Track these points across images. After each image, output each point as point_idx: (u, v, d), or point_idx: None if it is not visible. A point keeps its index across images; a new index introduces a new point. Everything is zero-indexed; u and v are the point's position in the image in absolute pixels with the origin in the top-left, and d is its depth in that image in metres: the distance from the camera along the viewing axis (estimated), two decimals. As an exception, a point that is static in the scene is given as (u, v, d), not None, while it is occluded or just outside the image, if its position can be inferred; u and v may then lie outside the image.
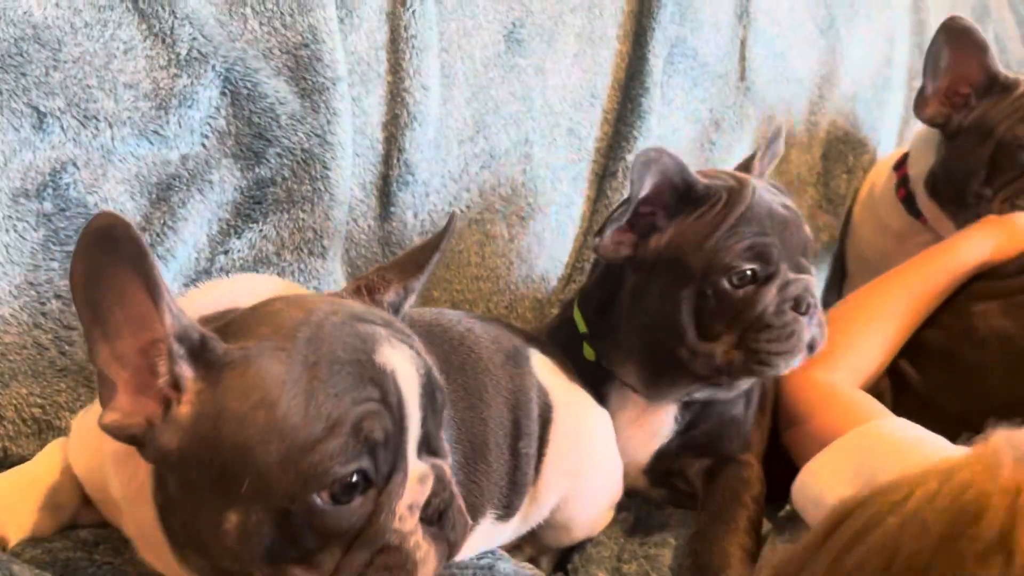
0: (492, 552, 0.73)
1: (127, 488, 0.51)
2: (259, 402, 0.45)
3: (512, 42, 0.95)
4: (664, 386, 0.80)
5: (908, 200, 1.11)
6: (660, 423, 0.84)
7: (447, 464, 0.53)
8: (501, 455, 0.72)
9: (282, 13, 0.77)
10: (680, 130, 1.08)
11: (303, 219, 0.77)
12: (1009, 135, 1.02)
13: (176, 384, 0.46)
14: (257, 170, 0.76)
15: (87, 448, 0.56)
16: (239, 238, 0.76)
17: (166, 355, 0.46)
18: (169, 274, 0.72)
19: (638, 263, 0.77)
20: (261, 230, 0.77)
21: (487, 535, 0.73)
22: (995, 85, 1.03)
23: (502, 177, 0.95)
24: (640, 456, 0.84)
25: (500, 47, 0.94)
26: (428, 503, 0.50)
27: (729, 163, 1.12)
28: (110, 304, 0.45)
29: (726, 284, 0.74)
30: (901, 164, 1.13)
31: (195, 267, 0.74)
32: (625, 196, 1.01)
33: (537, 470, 0.74)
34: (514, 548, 0.78)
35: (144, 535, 0.52)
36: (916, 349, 0.96)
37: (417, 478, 0.50)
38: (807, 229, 0.79)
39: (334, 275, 0.79)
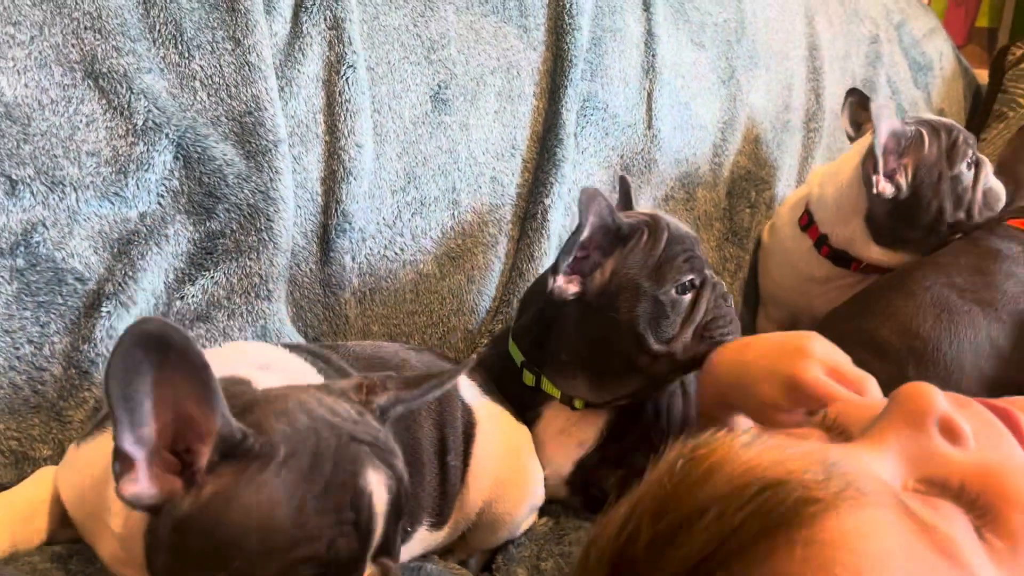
0: (422, 556, 0.82)
1: (124, 523, 0.59)
2: (265, 499, 0.54)
3: (438, 102, 1.06)
4: (615, 387, 0.92)
5: (835, 256, 1.25)
6: (587, 435, 0.95)
7: (394, 564, 0.61)
8: (432, 468, 0.82)
9: (228, 85, 0.87)
10: (593, 175, 1.20)
11: (250, 266, 0.87)
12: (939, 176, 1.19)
13: (210, 469, 0.54)
14: (208, 224, 0.86)
15: (77, 479, 0.65)
16: (193, 285, 0.85)
17: (210, 448, 0.54)
18: (130, 318, 0.80)
19: (584, 298, 0.89)
20: (213, 277, 0.86)
21: (423, 541, 0.82)
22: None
23: (432, 222, 1.05)
24: (564, 468, 0.95)
25: (427, 107, 1.05)
26: None
27: (638, 203, 1.25)
28: (144, 399, 0.52)
29: (675, 294, 0.89)
30: (809, 225, 1.27)
31: (154, 311, 0.83)
32: (544, 234, 1.12)
33: (463, 480, 0.84)
34: (446, 552, 0.88)
35: (124, 561, 0.61)
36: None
37: None
38: None
39: (279, 315, 0.89)
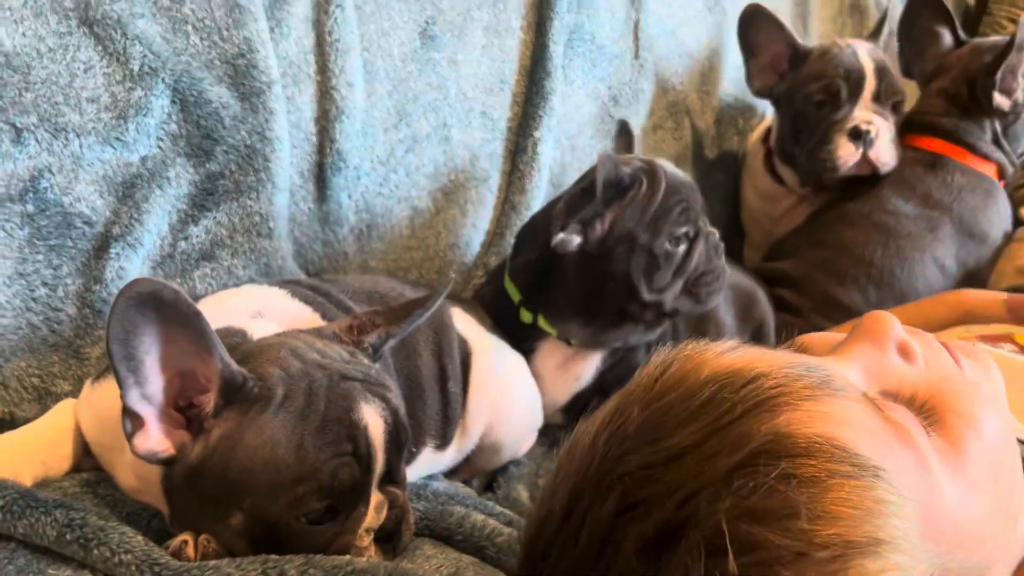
0: (429, 476, 0.87)
1: (138, 474, 0.64)
2: (267, 440, 0.58)
3: (426, 38, 1.07)
4: (609, 335, 0.97)
5: (773, 170, 1.28)
6: (583, 370, 0.99)
7: (401, 489, 0.66)
8: (434, 395, 0.86)
9: (219, 28, 0.88)
10: (582, 107, 1.22)
11: (250, 205, 0.89)
12: (801, 95, 1.19)
13: (217, 413, 0.58)
14: (208, 166, 0.88)
15: (94, 417, 0.69)
16: (196, 225, 0.88)
17: (215, 393, 0.58)
18: (138, 259, 0.83)
19: (585, 246, 0.92)
20: (215, 217, 0.89)
21: (428, 462, 0.88)
22: (798, 56, 1.20)
23: (425, 158, 1.07)
24: (560, 398, 1.00)
25: (416, 43, 1.07)
26: (382, 526, 0.63)
27: (628, 134, 1.27)
28: (145, 356, 0.55)
29: (669, 246, 0.91)
30: (767, 137, 1.30)
31: (160, 252, 0.86)
32: (535, 168, 1.15)
33: (464, 405, 0.88)
34: (451, 473, 0.93)
35: (143, 493, 0.65)
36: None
37: (375, 507, 0.63)
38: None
39: (280, 252, 0.92)
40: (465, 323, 0.92)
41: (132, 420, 0.58)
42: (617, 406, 0.49)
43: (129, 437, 0.58)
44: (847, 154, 1.16)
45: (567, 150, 1.20)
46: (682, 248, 0.92)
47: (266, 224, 0.91)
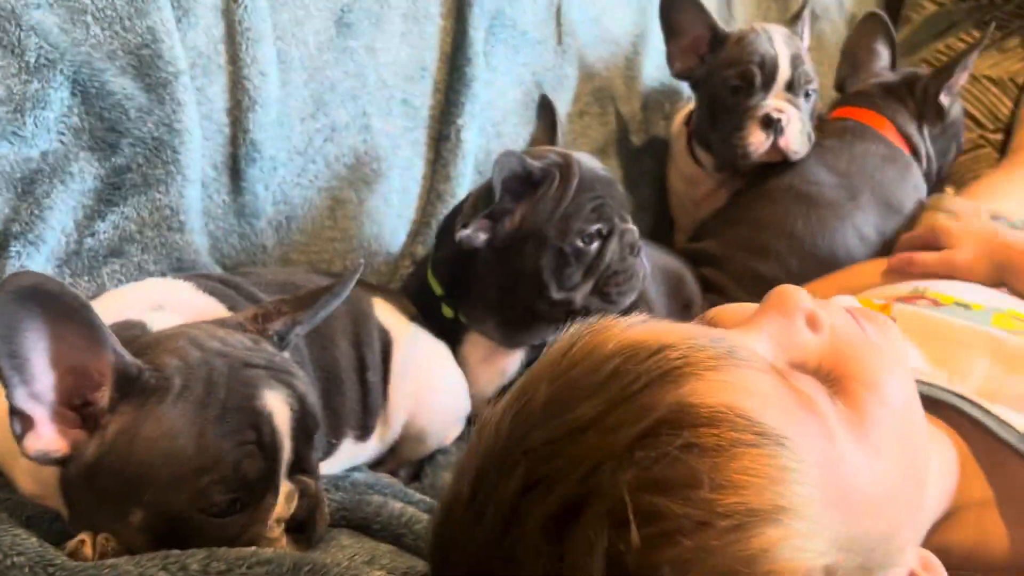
0: (352, 468, 0.86)
1: (35, 477, 0.62)
2: (166, 432, 0.56)
3: (342, 26, 1.06)
4: (522, 335, 0.96)
5: (694, 153, 1.30)
6: (508, 365, 0.99)
7: (313, 478, 0.64)
8: (353, 385, 0.85)
9: (121, 18, 0.86)
10: (506, 93, 1.21)
11: (160, 199, 0.87)
12: (718, 80, 1.20)
13: (112, 408, 0.56)
14: (113, 159, 0.86)
15: None
16: (103, 221, 0.85)
17: (108, 386, 0.56)
18: (41, 257, 0.81)
19: (495, 244, 0.91)
20: (123, 212, 0.86)
21: (350, 454, 0.87)
22: (718, 39, 1.22)
23: (345, 148, 1.06)
24: (488, 390, 0.99)
25: (332, 32, 1.05)
26: (293, 516, 0.62)
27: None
28: (31, 353, 0.53)
29: (580, 244, 0.89)
30: (690, 120, 1.31)
31: (65, 250, 0.83)
32: (459, 155, 1.14)
33: (385, 395, 0.88)
34: (377, 464, 0.92)
35: (43, 497, 0.63)
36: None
37: (284, 496, 0.61)
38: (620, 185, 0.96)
39: (193, 246, 0.90)
40: (386, 313, 0.91)
41: (21, 420, 0.56)
42: (524, 383, 0.49)
43: (19, 438, 0.56)
44: (757, 141, 1.17)
45: (492, 137, 1.20)
46: (594, 246, 0.90)
47: (177, 218, 0.89)
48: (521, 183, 0.89)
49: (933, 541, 0.58)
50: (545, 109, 1.14)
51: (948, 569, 0.50)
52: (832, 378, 0.50)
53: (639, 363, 0.45)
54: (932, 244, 1.03)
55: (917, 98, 1.29)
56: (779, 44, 1.19)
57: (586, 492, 0.42)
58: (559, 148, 0.98)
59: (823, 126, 1.31)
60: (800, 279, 1.13)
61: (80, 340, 0.55)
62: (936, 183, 1.36)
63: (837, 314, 0.54)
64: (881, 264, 1.07)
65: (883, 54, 1.40)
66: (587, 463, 0.42)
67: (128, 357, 0.56)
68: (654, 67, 1.42)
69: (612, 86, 1.36)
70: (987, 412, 0.65)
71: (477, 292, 0.94)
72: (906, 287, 0.92)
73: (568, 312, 0.91)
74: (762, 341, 0.50)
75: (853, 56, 1.41)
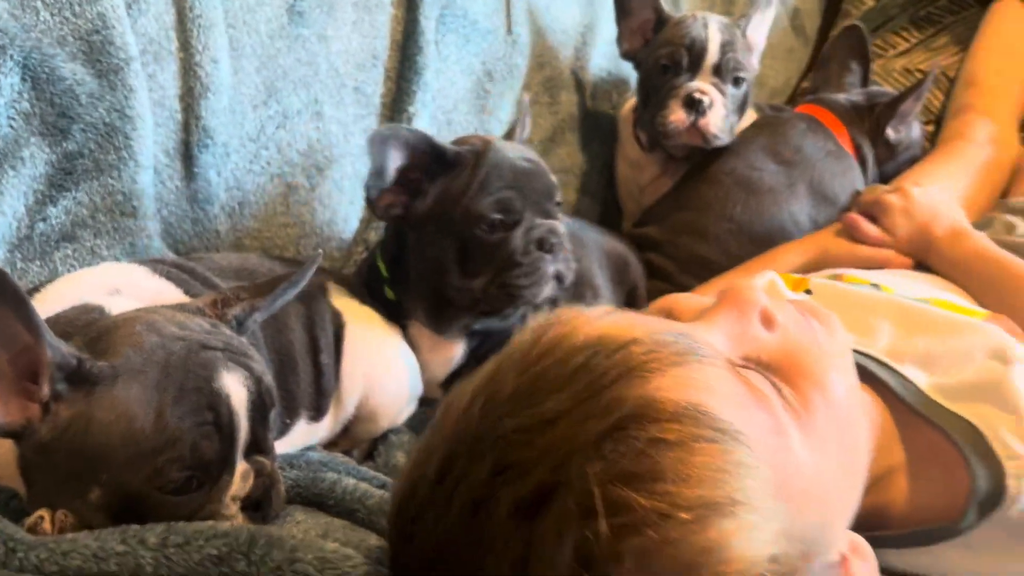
0: (307, 447, 0.88)
1: None
2: (121, 415, 0.58)
3: (294, 14, 1.07)
4: (445, 321, 0.97)
5: (639, 138, 1.34)
6: (452, 351, 1.00)
7: (269, 458, 0.66)
8: (306, 367, 0.87)
9: (71, 4, 0.86)
10: (457, 82, 1.24)
11: (112, 184, 0.88)
12: (652, 59, 1.25)
13: (57, 396, 0.58)
14: (64, 145, 0.86)
15: None
16: (55, 206, 0.86)
17: (47, 378, 0.57)
18: (-8, 242, 0.82)
19: (411, 221, 0.92)
20: (75, 197, 0.87)
21: (304, 434, 0.89)
22: (661, 22, 1.26)
23: (297, 135, 1.07)
24: (438, 375, 1.01)
25: (283, 20, 1.06)
26: (249, 494, 0.64)
27: (502, 108, 1.30)
28: None
29: (480, 233, 0.89)
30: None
31: (16, 235, 0.84)
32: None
33: (338, 377, 0.90)
34: (331, 444, 0.94)
35: (2, 477, 0.64)
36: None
37: (241, 475, 0.63)
38: (551, 178, 0.93)
39: (147, 231, 0.91)
40: (338, 296, 0.93)
41: None
42: (493, 370, 0.51)
43: None
44: (678, 120, 1.20)
45: (443, 124, 1.22)
46: (495, 236, 0.89)
47: (130, 203, 0.89)
48: (436, 163, 0.90)
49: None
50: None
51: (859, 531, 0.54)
52: (781, 373, 0.52)
53: (606, 357, 0.47)
54: (875, 216, 1.09)
55: (872, 124, 1.35)
56: (712, 30, 1.22)
57: (556, 482, 0.44)
58: (490, 136, 0.97)
59: (782, 115, 1.36)
60: (739, 262, 1.18)
61: (24, 328, 0.56)
62: None
63: (789, 313, 0.57)
64: (801, 244, 1.13)
65: (856, 71, 1.45)
66: (557, 453, 0.44)
67: (64, 349, 0.58)
68: (602, 57, 1.45)
69: (561, 76, 1.38)
70: (892, 371, 0.69)
71: (412, 276, 0.95)
72: (826, 273, 0.97)
73: (474, 300, 0.92)
74: (719, 336, 0.53)
75: (827, 69, 1.46)
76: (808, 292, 0.87)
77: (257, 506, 0.65)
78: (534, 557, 0.43)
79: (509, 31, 1.30)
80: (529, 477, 0.44)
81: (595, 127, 1.43)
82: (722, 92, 1.21)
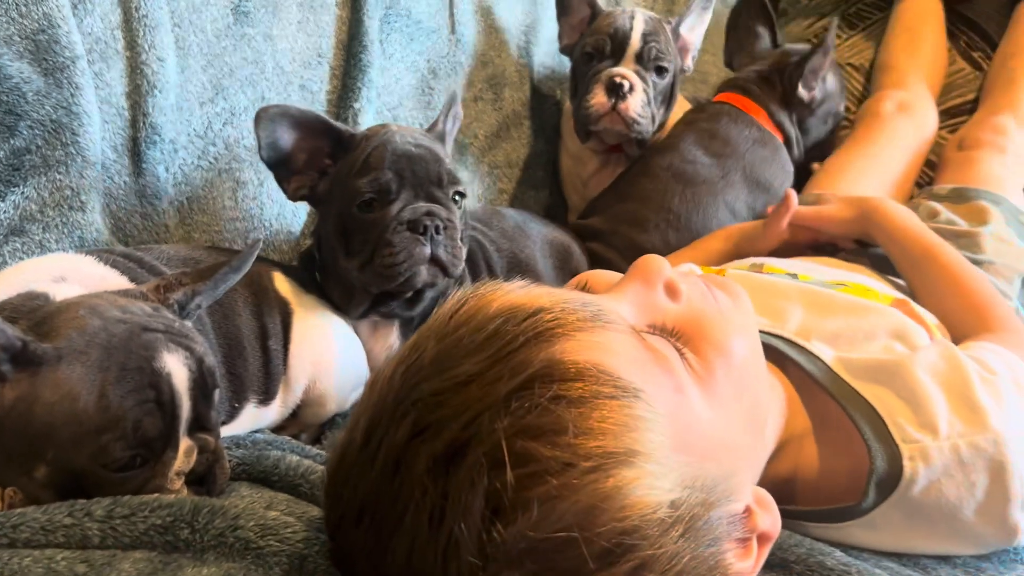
0: (255, 430, 0.91)
1: None
2: (65, 395, 0.60)
3: (239, 14, 1.10)
4: (353, 305, 0.99)
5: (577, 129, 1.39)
6: (390, 338, 1.03)
7: (212, 436, 0.69)
8: (255, 352, 0.91)
9: (16, 4, 0.88)
10: (402, 79, 1.27)
11: (60, 179, 0.90)
12: (580, 49, 1.31)
13: (2, 378, 0.60)
14: (12, 141, 0.88)
15: None
16: (3, 201, 0.88)
17: None
18: (-59, 236, 0.84)
19: (316, 201, 0.97)
20: (23, 192, 0.89)
21: (253, 418, 0.92)
22: (595, 16, 1.33)
23: (244, 131, 1.10)
24: (379, 361, 1.03)
25: (229, 19, 1.09)
26: (193, 470, 0.67)
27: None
28: None
29: (356, 211, 0.91)
30: None
31: (-35, 229, 0.86)
32: (360, 131, 1.19)
33: (286, 362, 0.93)
34: (280, 428, 0.97)
35: None
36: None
37: (184, 452, 0.66)
38: (444, 164, 0.95)
39: (95, 225, 0.93)
40: (285, 285, 0.96)
41: None
42: (415, 342, 0.54)
43: None
44: (599, 103, 1.25)
45: (389, 120, 1.25)
46: (368, 216, 0.91)
47: (78, 198, 0.92)
48: (336, 145, 0.94)
49: (765, 475, 0.66)
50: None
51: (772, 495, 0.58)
52: (684, 339, 0.56)
53: (516, 324, 0.50)
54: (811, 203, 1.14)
55: (784, 87, 1.40)
56: (636, 21, 1.28)
57: (468, 438, 0.47)
58: (389, 124, 0.99)
59: (705, 108, 1.41)
60: (677, 250, 1.23)
61: None
62: (811, 153, 1.47)
63: (693, 284, 0.61)
64: (731, 230, 1.18)
65: (763, 35, 1.50)
66: (469, 412, 0.47)
67: (10, 332, 0.60)
68: (545, 55, 1.50)
69: (505, 73, 1.43)
70: (800, 348, 0.74)
71: (325, 259, 0.99)
72: (747, 262, 1.02)
73: (353, 279, 0.94)
74: (625, 305, 0.57)
75: (735, 37, 1.52)
76: None
77: (201, 481, 0.69)
78: (449, 508, 0.46)
79: (452, 31, 1.34)
80: (444, 434, 0.47)
81: (539, 123, 1.48)
82: (644, 80, 1.27)
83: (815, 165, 1.57)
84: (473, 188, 1.37)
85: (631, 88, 1.25)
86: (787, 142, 1.40)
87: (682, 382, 0.53)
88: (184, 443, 0.67)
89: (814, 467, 0.72)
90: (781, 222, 1.09)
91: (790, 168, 1.38)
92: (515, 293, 0.54)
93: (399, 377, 0.52)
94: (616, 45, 1.27)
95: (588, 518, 0.46)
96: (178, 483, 0.67)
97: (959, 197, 1.26)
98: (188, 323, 0.72)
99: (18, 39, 0.89)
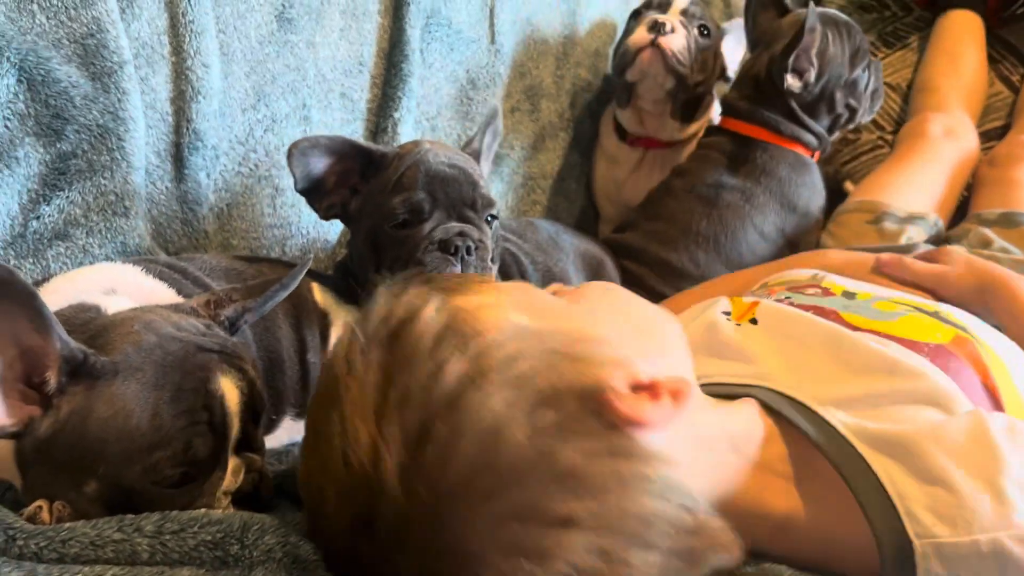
0: (291, 443, 0.91)
1: None
2: (119, 411, 0.60)
3: (283, 21, 1.10)
4: None
5: (618, 128, 1.38)
6: None
7: (259, 455, 0.69)
8: (293, 366, 0.90)
9: (66, 7, 0.88)
10: (441, 89, 1.27)
11: (104, 184, 0.90)
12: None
13: (61, 390, 0.60)
14: (59, 145, 0.88)
15: None
16: (48, 205, 0.88)
17: (55, 371, 0.59)
18: (-14, 240, 0.83)
19: (348, 219, 0.97)
20: (68, 196, 0.89)
21: (289, 430, 0.91)
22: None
23: (285, 138, 1.10)
24: None
25: (273, 26, 1.09)
26: (239, 488, 0.67)
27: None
28: None
29: (389, 229, 0.91)
30: None
31: (10, 232, 0.86)
32: (391, 148, 1.19)
33: (324, 374, 0.92)
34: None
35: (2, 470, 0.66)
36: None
37: (232, 471, 0.66)
38: (479, 188, 0.94)
39: (138, 231, 0.93)
40: (324, 296, 0.95)
41: None
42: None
43: None
44: (639, 38, 1.28)
45: (427, 131, 1.25)
46: (402, 234, 0.91)
47: (122, 203, 0.92)
48: (367, 164, 0.94)
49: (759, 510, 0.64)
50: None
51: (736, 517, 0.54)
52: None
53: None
54: (929, 259, 1.00)
55: (777, 85, 1.28)
56: None
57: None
58: (424, 141, 0.98)
59: (710, 134, 1.37)
60: (707, 270, 1.22)
61: (29, 325, 0.58)
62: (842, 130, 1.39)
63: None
64: (832, 257, 1.08)
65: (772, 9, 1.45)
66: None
67: (73, 344, 0.60)
68: (582, 67, 1.49)
69: (542, 84, 1.42)
70: (805, 409, 0.68)
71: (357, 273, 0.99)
72: (807, 272, 0.98)
73: None
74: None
75: (752, 14, 1.41)
76: (754, 321, 0.85)
77: (247, 499, 0.68)
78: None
79: (492, 40, 1.33)
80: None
81: (574, 135, 1.47)
82: (687, 28, 1.29)
83: (848, 185, 1.56)
84: (507, 199, 1.37)
85: (672, 29, 1.27)
86: (806, 145, 1.32)
87: (543, 294, 0.68)
88: (232, 462, 0.67)
89: (779, 500, 0.66)
90: (895, 273, 0.99)
91: (817, 182, 1.33)
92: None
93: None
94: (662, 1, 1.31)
95: (453, 319, 0.56)
96: (225, 501, 0.67)
97: (1009, 222, 1.24)
98: (238, 340, 0.72)
99: (67, 43, 0.88)
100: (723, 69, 1.39)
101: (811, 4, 1.26)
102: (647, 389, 0.57)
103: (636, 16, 1.35)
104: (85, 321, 0.65)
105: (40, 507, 0.62)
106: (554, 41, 1.45)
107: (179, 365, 0.63)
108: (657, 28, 1.27)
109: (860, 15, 1.74)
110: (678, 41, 1.28)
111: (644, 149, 1.41)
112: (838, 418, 0.67)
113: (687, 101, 1.36)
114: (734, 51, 1.38)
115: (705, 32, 1.32)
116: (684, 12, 1.31)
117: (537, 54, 1.41)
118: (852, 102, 1.33)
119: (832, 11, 1.40)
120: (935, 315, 0.83)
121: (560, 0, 1.46)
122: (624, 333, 0.65)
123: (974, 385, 0.73)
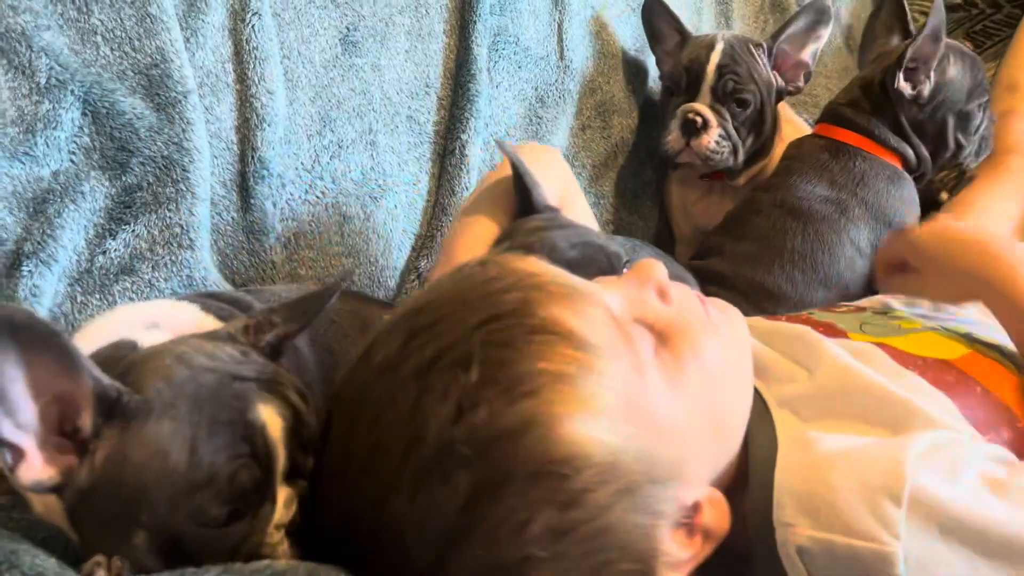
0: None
1: (41, 503, 0.62)
2: (155, 453, 0.56)
3: (348, 44, 1.07)
4: None
5: None
6: None
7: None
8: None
9: (130, 38, 0.87)
10: (509, 108, 1.23)
11: (170, 217, 0.88)
12: (662, 82, 1.33)
13: (97, 433, 0.56)
14: (124, 178, 0.87)
15: None
16: (114, 239, 0.86)
17: (90, 411, 0.56)
18: (53, 276, 0.82)
19: None
20: (134, 230, 0.87)
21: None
22: (684, 40, 1.30)
23: (351, 164, 1.07)
24: None
25: (337, 50, 1.06)
26: (293, 520, 0.61)
27: (555, 134, 1.28)
28: (10, 384, 0.53)
29: None
30: None
31: (77, 268, 0.84)
32: (464, 170, 1.15)
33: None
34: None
35: (53, 518, 0.63)
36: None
37: (283, 503, 0.61)
38: (610, 250, 0.86)
39: (203, 263, 0.90)
40: None
41: (12, 452, 0.55)
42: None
43: (11, 469, 0.55)
44: (674, 140, 1.24)
45: (496, 152, 1.21)
46: None
47: (187, 236, 0.89)
48: None
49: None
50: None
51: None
52: (665, 336, 0.61)
53: (512, 279, 0.58)
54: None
55: (888, 89, 1.22)
56: (715, 53, 1.23)
57: (445, 347, 0.55)
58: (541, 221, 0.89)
59: (803, 144, 1.29)
60: (805, 291, 1.14)
61: (57, 367, 0.55)
62: (953, 157, 1.28)
63: (685, 293, 0.65)
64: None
65: (895, 30, 1.38)
66: (449, 331, 0.56)
67: (106, 380, 0.56)
68: (654, 81, 1.43)
69: (614, 100, 1.37)
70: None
71: None
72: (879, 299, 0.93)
73: None
74: (615, 296, 0.61)
75: (871, 36, 1.37)
76: None
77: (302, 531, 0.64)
78: (423, 405, 0.54)
79: (561, 57, 1.29)
80: (429, 345, 0.55)
81: (647, 151, 1.41)
82: (721, 115, 1.23)
83: (943, 194, 1.46)
84: (579, 220, 1.31)
85: (704, 124, 1.22)
86: (905, 163, 1.26)
87: (644, 365, 0.57)
88: (283, 493, 0.62)
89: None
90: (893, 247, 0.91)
91: (912, 196, 1.24)
92: (524, 260, 0.61)
93: (410, 301, 0.61)
94: (691, 79, 1.24)
95: (526, 432, 0.52)
96: (278, 535, 0.62)
97: None
98: (286, 361, 0.68)
99: (131, 74, 0.87)
100: (797, 71, 1.31)
101: (939, 16, 1.19)
102: (686, 522, 0.57)
103: (668, 94, 1.29)
104: (118, 359, 0.61)
105: (98, 563, 0.58)
106: (625, 55, 1.39)
107: (213, 397, 0.59)
108: (689, 128, 1.23)
109: (947, 15, 1.64)
110: (712, 137, 1.23)
111: (711, 180, 1.35)
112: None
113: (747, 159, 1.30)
114: (805, 48, 1.30)
115: (745, 103, 1.24)
116: (714, 90, 1.23)
117: (607, 69, 1.36)
118: (961, 138, 1.25)
119: (958, 43, 1.32)
120: (964, 336, 0.79)
121: (630, 12, 1.41)
122: (703, 435, 0.61)
123: (986, 403, 0.70)
